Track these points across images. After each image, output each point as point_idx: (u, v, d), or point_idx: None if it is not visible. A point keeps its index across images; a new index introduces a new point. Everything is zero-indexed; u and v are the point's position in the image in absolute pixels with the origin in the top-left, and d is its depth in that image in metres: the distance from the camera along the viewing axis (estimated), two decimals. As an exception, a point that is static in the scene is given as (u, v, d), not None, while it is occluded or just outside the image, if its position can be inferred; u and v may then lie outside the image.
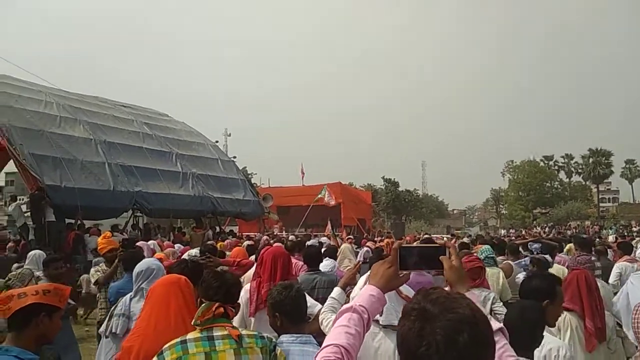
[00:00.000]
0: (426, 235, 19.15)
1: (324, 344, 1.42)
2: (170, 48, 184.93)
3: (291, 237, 13.71)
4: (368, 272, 2.99)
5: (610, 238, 13.83)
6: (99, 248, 6.20)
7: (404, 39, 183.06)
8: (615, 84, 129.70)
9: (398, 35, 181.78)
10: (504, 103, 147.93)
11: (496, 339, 1.42)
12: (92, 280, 5.71)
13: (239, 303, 2.40)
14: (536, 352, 2.52)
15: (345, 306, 1.60)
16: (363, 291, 1.64)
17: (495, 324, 1.45)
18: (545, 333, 2.72)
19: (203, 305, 2.22)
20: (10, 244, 13.37)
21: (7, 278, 4.25)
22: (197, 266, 3.58)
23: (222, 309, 2.19)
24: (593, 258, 6.60)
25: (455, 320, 1.09)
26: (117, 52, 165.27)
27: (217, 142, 25.98)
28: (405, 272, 1.69)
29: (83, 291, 8.84)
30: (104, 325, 3.31)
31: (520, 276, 5.88)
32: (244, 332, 2.25)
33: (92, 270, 6.09)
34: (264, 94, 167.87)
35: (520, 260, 6.79)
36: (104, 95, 20.51)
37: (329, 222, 22.25)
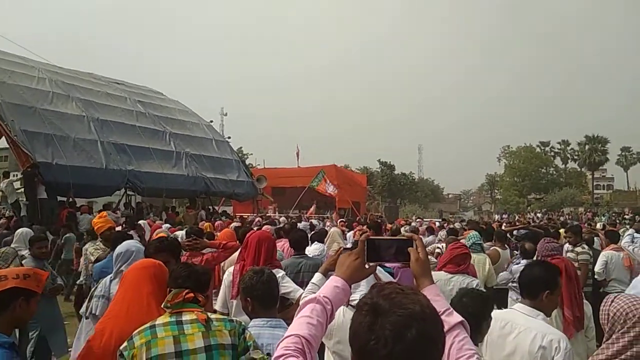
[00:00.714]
0: (418, 219, 19.28)
1: (285, 334, 1.43)
2: (169, 26, 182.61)
3: (282, 219, 13.72)
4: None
5: (599, 225, 13.87)
6: (96, 227, 6.03)
7: (402, 27, 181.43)
8: (614, 71, 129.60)
9: (396, 23, 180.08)
10: (502, 88, 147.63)
11: (456, 332, 1.43)
12: (92, 258, 5.62)
13: (207, 295, 2.41)
14: (537, 340, 2.54)
15: (308, 297, 1.61)
16: (328, 282, 1.64)
17: (456, 318, 1.46)
18: (542, 322, 2.72)
19: (174, 290, 2.23)
20: (2, 221, 13.35)
21: (-8, 257, 4.25)
22: (175, 243, 3.62)
23: (192, 295, 2.21)
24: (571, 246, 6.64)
25: (404, 316, 1.10)
26: (115, 30, 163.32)
27: (211, 121, 25.90)
28: (372, 264, 1.69)
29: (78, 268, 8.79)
30: (84, 306, 3.33)
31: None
32: (212, 316, 2.27)
33: (91, 248, 5.88)
34: (262, 76, 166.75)
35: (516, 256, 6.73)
36: (99, 72, 20.33)
37: (314, 204, 22.28)
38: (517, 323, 2.68)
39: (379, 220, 10.70)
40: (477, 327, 2.36)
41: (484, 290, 3.95)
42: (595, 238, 8.19)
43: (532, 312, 2.77)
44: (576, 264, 6.17)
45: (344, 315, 2.84)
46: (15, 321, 2.26)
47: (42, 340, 4.62)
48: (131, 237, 4.54)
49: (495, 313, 2.84)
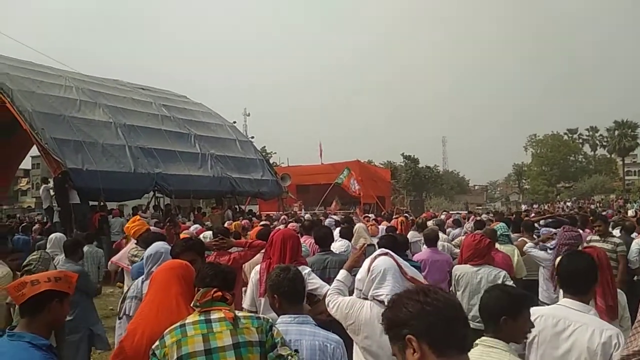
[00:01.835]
0: (444, 212, 19.07)
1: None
2: (191, 29, 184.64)
3: (307, 216, 13.77)
4: (372, 255, 3.03)
5: (630, 212, 13.46)
6: (133, 231, 6.02)
7: (422, 14, 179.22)
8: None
9: (416, 11, 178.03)
10: (527, 76, 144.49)
11: None
12: (137, 260, 5.66)
13: (234, 293, 2.45)
14: (595, 336, 2.48)
15: None
16: None
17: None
18: (595, 317, 2.66)
19: (202, 289, 2.28)
20: (36, 226, 13.78)
21: (26, 262, 4.39)
22: (200, 242, 3.71)
23: (219, 293, 2.26)
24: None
25: None
26: (133, 38, 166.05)
27: (234, 122, 26.06)
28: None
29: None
30: (119, 307, 3.43)
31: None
32: (240, 314, 2.31)
33: (133, 250, 5.81)
34: (283, 74, 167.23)
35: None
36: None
37: (334, 201, 22.23)
38: (570, 319, 2.62)
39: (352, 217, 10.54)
40: (495, 323, 2.26)
41: (508, 285, 3.89)
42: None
43: (583, 307, 2.69)
44: (614, 255, 6.04)
45: (371, 310, 2.85)
46: (52, 323, 2.33)
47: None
48: (164, 238, 4.61)
49: (543, 310, 2.78)
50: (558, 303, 2.84)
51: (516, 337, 2.32)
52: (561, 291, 3.05)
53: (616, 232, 8.25)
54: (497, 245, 5.74)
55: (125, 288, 5.91)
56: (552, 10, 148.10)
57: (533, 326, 2.39)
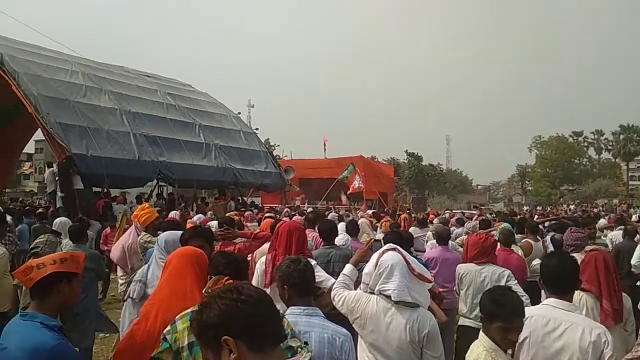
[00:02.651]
0: (447, 211, 19.06)
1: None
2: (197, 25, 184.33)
3: (309, 210, 13.79)
4: (380, 250, 3.03)
5: (634, 217, 13.46)
6: (143, 219, 5.87)
7: (426, 12, 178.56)
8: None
9: (421, 9, 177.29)
10: (532, 77, 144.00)
11: None
12: (151, 246, 5.60)
13: (249, 282, 2.45)
14: (586, 335, 2.52)
15: None
16: None
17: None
18: (583, 316, 2.72)
19: (214, 277, 2.29)
20: (39, 210, 13.78)
21: (34, 245, 4.41)
22: (208, 230, 3.73)
23: (232, 281, 2.25)
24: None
25: None
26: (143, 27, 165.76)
27: (239, 113, 26.02)
28: None
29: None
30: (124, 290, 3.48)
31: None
32: None
33: (146, 237, 5.60)
34: (288, 69, 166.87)
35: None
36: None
37: (343, 195, 22.23)
38: (560, 319, 2.64)
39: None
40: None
41: (505, 286, 3.91)
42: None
43: (570, 307, 2.73)
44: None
45: (377, 305, 2.85)
46: (62, 304, 2.34)
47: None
48: (180, 227, 4.58)
49: (532, 310, 2.78)
50: (544, 303, 2.86)
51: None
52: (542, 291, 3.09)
53: (615, 233, 8.29)
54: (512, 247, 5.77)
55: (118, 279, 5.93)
56: (564, 6, 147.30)
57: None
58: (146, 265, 3.44)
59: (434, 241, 6.42)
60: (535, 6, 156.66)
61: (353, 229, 6.57)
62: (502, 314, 2.37)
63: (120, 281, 6.18)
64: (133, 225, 6.04)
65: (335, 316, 2.90)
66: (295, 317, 2.43)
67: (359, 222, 8.00)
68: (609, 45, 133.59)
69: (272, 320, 1.41)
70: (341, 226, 6.79)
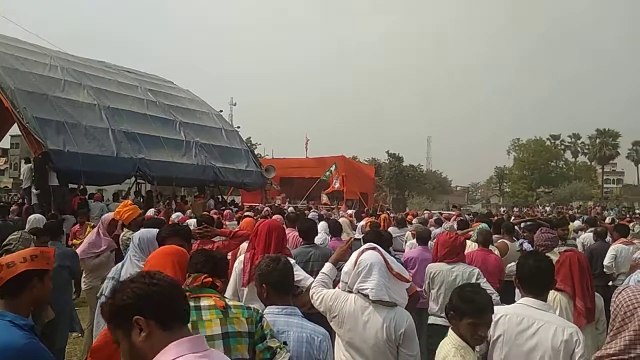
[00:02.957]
0: (426, 211, 19.22)
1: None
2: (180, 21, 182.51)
3: (290, 209, 13.76)
4: (360, 249, 3.04)
5: (607, 220, 13.77)
6: (126, 216, 5.70)
7: (410, 16, 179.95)
8: (627, 63, 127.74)
9: (406, 11, 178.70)
10: (512, 80, 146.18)
11: None
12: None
13: (226, 279, 2.44)
14: (558, 334, 2.56)
15: None
16: None
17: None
18: (556, 315, 2.76)
19: (192, 275, 2.27)
20: (13, 207, 13.49)
21: (6, 241, 4.30)
22: (186, 229, 3.73)
23: (210, 279, 2.24)
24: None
25: None
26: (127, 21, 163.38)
27: (221, 111, 25.86)
28: None
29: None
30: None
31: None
32: (230, 302, 2.29)
33: (128, 233, 5.46)
34: (272, 69, 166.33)
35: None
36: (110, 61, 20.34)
37: (323, 194, 22.28)
38: (534, 317, 2.68)
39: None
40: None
41: (475, 283, 3.99)
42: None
43: (544, 306, 2.78)
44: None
45: (355, 303, 2.86)
46: (35, 301, 2.29)
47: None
48: (163, 224, 4.49)
49: (507, 309, 2.83)
50: (519, 302, 2.91)
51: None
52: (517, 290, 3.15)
53: (586, 235, 8.47)
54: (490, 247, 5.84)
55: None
56: (538, 16, 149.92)
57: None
58: (120, 263, 3.39)
59: (414, 241, 6.47)
60: (526, 12, 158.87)
61: (336, 229, 6.58)
62: (472, 310, 2.41)
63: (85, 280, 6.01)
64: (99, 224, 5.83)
65: (314, 315, 2.91)
66: (273, 316, 2.42)
67: (339, 221, 8.03)
68: (590, 54, 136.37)
69: (181, 302, 1.55)
70: (322, 225, 6.81)
